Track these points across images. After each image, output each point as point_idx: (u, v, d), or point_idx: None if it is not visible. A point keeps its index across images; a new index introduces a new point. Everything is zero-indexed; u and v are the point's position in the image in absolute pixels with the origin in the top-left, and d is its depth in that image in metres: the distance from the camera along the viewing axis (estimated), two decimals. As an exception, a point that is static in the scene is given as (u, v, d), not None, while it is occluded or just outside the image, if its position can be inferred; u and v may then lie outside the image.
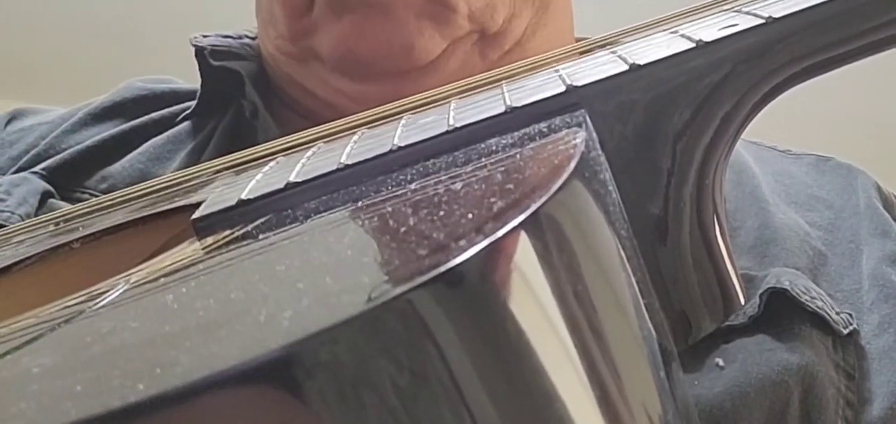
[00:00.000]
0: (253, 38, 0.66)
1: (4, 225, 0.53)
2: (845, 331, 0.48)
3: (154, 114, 0.65)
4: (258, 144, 0.46)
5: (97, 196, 0.58)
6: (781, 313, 0.48)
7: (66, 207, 0.55)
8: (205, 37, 0.63)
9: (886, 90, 1.26)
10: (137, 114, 0.65)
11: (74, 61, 1.86)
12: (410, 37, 0.54)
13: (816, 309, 0.48)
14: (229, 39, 0.65)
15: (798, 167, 0.60)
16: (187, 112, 0.64)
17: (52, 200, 0.58)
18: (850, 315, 0.49)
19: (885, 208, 0.56)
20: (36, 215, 0.55)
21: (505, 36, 0.58)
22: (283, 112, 0.62)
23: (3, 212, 0.56)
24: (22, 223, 0.52)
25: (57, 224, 0.46)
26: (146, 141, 0.63)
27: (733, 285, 0.37)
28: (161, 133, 0.63)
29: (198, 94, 0.64)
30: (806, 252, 0.52)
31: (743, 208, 0.54)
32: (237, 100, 0.62)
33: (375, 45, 0.55)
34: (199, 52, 0.62)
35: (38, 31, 1.89)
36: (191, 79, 0.70)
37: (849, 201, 0.57)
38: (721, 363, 0.46)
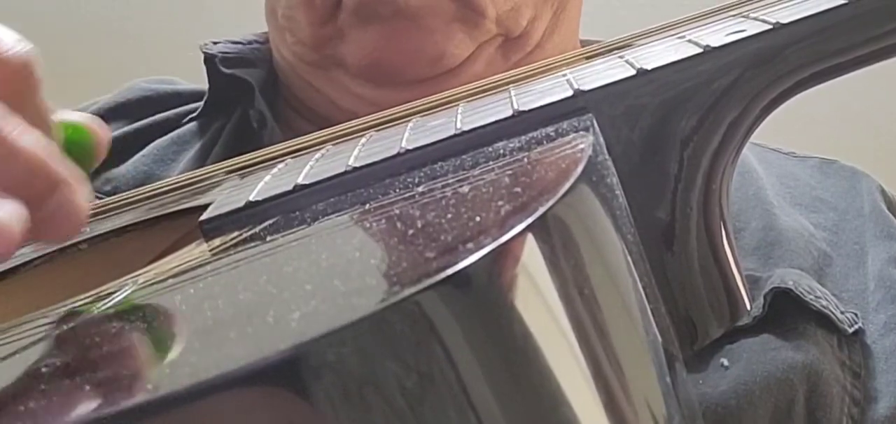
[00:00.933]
0: (262, 43, 0.66)
1: None
2: (850, 330, 0.49)
3: (158, 116, 0.65)
4: (264, 148, 0.46)
5: (101, 198, 0.58)
6: (786, 313, 0.48)
7: None
8: (215, 44, 0.63)
9: (891, 93, 1.26)
10: (141, 115, 0.65)
11: (76, 62, 1.86)
12: (441, 44, 0.54)
13: (821, 308, 0.48)
14: (239, 45, 0.65)
15: (802, 169, 0.60)
16: (192, 115, 0.64)
17: None
18: (856, 314, 0.49)
19: (889, 211, 0.56)
20: None
21: (527, 38, 0.58)
22: (293, 119, 0.62)
23: None
24: None
25: None
26: (150, 142, 0.63)
27: (739, 291, 0.37)
28: (165, 134, 0.63)
29: (205, 99, 0.64)
30: (811, 253, 0.52)
31: (747, 210, 0.54)
32: (243, 105, 0.62)
33: (405, 53, 0.54)
34: (210, 60, 0.62)
35: (39, 31, 1.89)
36: (194, 80, 0.70)
37: (853, 203, 0.57)
38: (726, 363, 0.46)
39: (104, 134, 0.41)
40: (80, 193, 0.32)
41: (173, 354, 0.21)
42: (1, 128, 0.31)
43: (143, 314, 0.27)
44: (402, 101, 0.45)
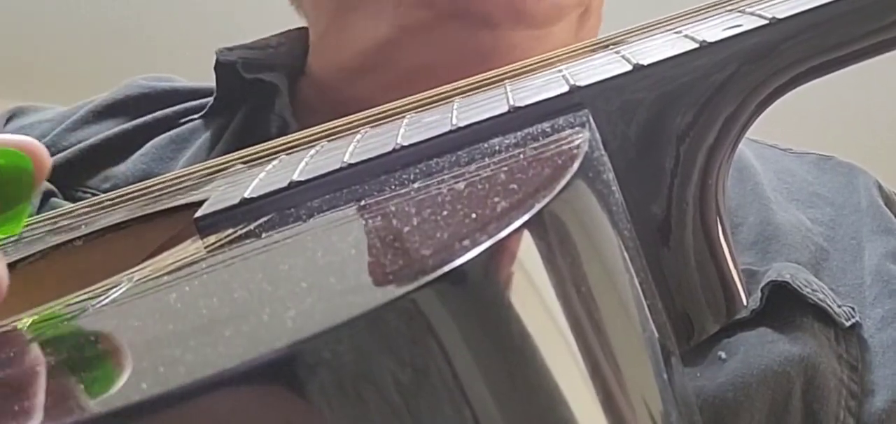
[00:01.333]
0: (274, 47, 0.66)
1: None
2: (847, 323, 0.49)
3: (157, 114, 0.65)
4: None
5: (96, 193, 0.58)
6: (783, 306, 0.48)
7: (68, 206, 0.55)
8: (229, 50, 0.63)
9: (888, 89, 1.26)
10: (139, 112, 0.65)
11: (75, 61, 1.86)
12: None
13: (818, 301, 0.48)
14: (255, 50, 0.65)
15: (799, 165, 0.61)
16: (193, 116, 0.64)
17: (54, 200, 0.58)
18: (852, 308, 0.50)
19: (886, 206, 0.57)
20: (37, 214, 0.55)
21: (590, 14, 0.59)
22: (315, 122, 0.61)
23: None
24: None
25: (55, 222, 0.47)
26: (149, 140, 0.63)
27: (736, 286, 0.37)
28: (164, 132, 0.63)
29: (212, 103, 0.64)
30: (808, 247, 0.53)
31: (744, 205, 0.54)
32: (250, 105, 0.62)
33: None
34: (229, 66, 0.62)
35: (39, 31, 1.89)
36: (192, 78, 0.70)
37: (850, 199, 0.57)
38: (723, 355, 0.46)
39: (43, 158, 0.40)
40: None
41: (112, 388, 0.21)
42: None
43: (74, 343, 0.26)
44: (493, 49, 0.47)
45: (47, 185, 0.58)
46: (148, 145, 0.62)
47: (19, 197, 0.36)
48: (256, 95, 0.62)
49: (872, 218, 0.55)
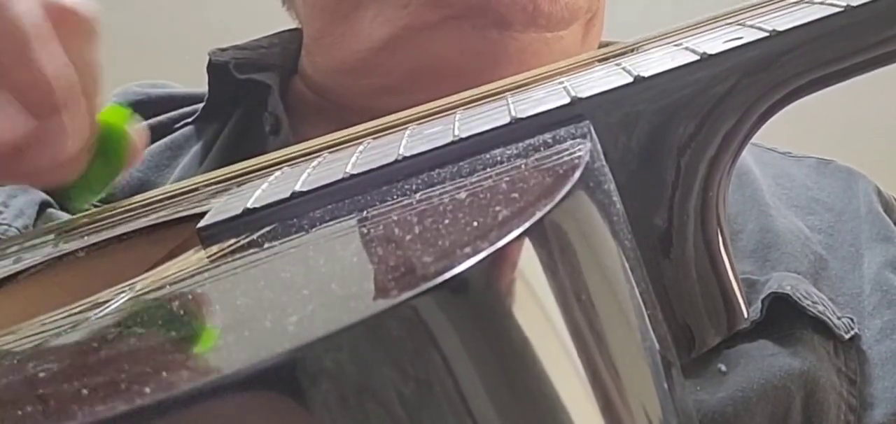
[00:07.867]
0: (266, 47, 0.66)
1: (1, 238, 0.53)
2: (847, 336, 0.49)
3: (152, 120, 0.65)
4: (262, 151, 0.46)
5: (97, 205, 0.58)
6: (783, 318, 0.48)
7: (64, 217, 0.55)
8: (222, 51, 0.63)
9: (888, 94, 1.26)
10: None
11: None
12: None
13: (818, 313, 0.48)
14: (247, 51, 0.65)
15: (798, 169, 0.61)
16: (188, 120, 0.64)
17: (50, 210, 0.58)
18: (852, 319, 0.50)
19: (885, 212, 0.57)
20: (34, 226, 0.55)
21: (594, 23, 0.59)
22: (309, 123, 0.61)
23: (0, 224, 0.55)
24: (21, 235, 0.52)
25: (58, 233, 0.47)
26: (145, 148, 0.63)
27: (737, 299, 0.37)
28: (159, 139, 0.63)
29: (204, 104, 0.64)
30: (807, 256, 0.53)
31: (744, 212, 0.54)
32: (245, 107, 0.62)
33: None
34: (221, 67, 0.62)
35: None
36: (189, 83, 0.70)
37: (849, 204, 0.57)
38: (723, 368, 0.46)
39: (141, 141, 0.45)
40: (73, 135, 0.38)
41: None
42: (33, 47, 0.37)
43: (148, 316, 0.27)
44: (508, 61, 0.48)
45: (43, 196, 0.58)
46: (144, 152, 0.62)
47: (110, 163, 0.42)
48: (249, 96, 0.62)
49: (871, 225, 0.55)
